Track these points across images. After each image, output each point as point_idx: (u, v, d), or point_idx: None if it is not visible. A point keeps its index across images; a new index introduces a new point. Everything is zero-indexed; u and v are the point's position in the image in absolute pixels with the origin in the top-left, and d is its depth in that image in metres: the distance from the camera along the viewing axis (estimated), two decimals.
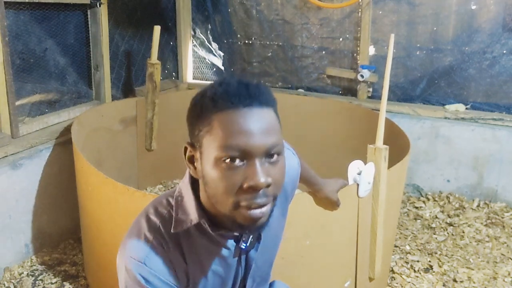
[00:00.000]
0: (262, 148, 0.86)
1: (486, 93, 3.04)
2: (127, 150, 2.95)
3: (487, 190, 2.97)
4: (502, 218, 2.79)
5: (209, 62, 3.83)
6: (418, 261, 2.38)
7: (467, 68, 3.05)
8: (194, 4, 3.70)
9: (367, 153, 1.69)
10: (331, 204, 1.62)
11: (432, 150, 3.05)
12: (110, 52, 3.03)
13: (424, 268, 2.34)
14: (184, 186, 1.01)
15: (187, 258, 1.00)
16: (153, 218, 1.01)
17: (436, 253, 2.46)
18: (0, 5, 2.23)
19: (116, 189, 1.75)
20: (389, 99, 3.14)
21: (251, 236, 1.02)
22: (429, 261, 2.39)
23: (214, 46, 3.78)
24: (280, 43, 3.54)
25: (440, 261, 2.39)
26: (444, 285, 2.22)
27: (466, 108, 3.05)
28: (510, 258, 2.43)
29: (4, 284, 2.20)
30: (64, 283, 2.22)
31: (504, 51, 2.94)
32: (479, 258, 2.42)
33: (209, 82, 4.14)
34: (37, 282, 2.23)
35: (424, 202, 2.99)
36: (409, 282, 2.24)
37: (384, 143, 1.70)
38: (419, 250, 2.49)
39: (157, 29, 2.80)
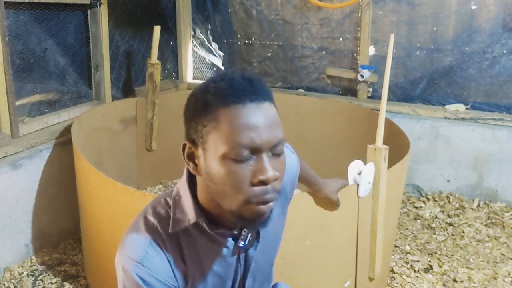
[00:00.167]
0: (270, 142, 0.88)
1: (486, 93, 3.04)
2: (127, 150, 2.95)
3: (487, 190, 2.97)
4: (502, 218, 2.79)
5: (209, 62, 3.83)
6: (418, 261, 2.38)
7: (467, 68, 3.05)
8: (194, 4, 3.70)
9: (367, 153, 1.69)
10: (331, 204, 1.62)
11: (432, 150, 3.05)
12: (110, 52, 3.03)
13: (424, 268, 2.34)
14: (181, 186, 1.01)
15: (186, 258, 1.00)
16: (151, 218, 1.01)
17: (436, 253, 2.46)
18: (0, 5, 2.23)
19: (116, 189, 1.75)
20: (389, 99, 3.14)
21: (249, 235, 1.02)
22: (429, 261, 2.39)
23: (214, 46, 3.78)
24: (280, 43, 3.54)
25: (440, 261, 2.39)
26: (444, 285, 2.22)
27: (466, 108, 3.05)
28: (510, 258, 2.43)
29: (4, 284, 2.20)
30: (64, 283, 2.22)
31: (504, 51, 2.94)
32: (479, 258, 2.42)
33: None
34: (37, 282, 2.23)
35: (424, 202, 2.99)
36: (409, 282, 2.24)
37: (384, 143, 1.70)
38: (419, 250, 2.49)
39: (157, 29, 2.80)
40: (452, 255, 2.45)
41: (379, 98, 3.22)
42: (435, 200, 3.00)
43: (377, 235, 1.78)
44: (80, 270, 2.31)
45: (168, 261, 0.98)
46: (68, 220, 2.58)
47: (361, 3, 3.16)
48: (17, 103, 2.46)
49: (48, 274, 2.28)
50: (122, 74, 3.25)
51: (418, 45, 3.15)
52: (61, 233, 2.57)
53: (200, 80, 3.86)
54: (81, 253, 2.40)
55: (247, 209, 0.89)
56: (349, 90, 3.39)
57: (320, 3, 3.20)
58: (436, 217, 2.82)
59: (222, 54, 3.78)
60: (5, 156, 2.28)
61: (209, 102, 0.89)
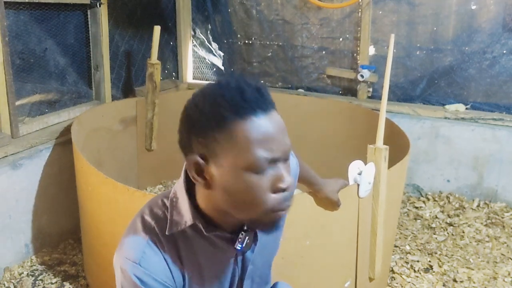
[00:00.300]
0: (286, 151, 0.89)
1: (486, 93, 3.04)
2: (127, 150, 2.95)
3: (487, 190, 2.97)
4: (502, 218, 2.79)
5: (209, 62, 3.83)
6: (418, 261, 2.38)
7: (467, 68, 3.05)
8: (194, 4, 3.70)
9: (367, 153, 1.68)
10: (331, 204, 1.62)
11: (432, 150, 3.05)
12: (110, 52, 3.03)
13: (424, 268, 2.34)
14: (179, 188, 1.01)
15: (183, 259, 1.00)
16: (148, 219, 1.01)
17: (436, 253, 2.46)
18: (0, 5, 2.23)
19: (116, 189, 1.75)
20: (389, 99, 3.13)
21: (247, 238, 1.02)
22: (429, 261, 2.39)
23: (214, 46, 3.78)
24: (280, 43, 3.54)
25: (440, 261, 2.39)
26: (444, 285, 2.22)
27: (466, 108, 3.05)
28: (510, 258, 2.43)
29: (4, 284, 2.20)
30: (64, 283, 2.22)
31: (504, 51, 2.94)
32: (479, 258, 2.42)
33: (211, 82, 4.11)
34: (37, 282, 2.23)
35: (424, 202, 2.99)
36: (409, 282, 2.24)
37: (384, 143, 1.70)
38: (419, 250, 2.49)
39: (157, 29, 2.80)
40: (452, 255, 2.45)
41: (379, 98, 3.23)
42: (435, 200, 3.00)
43: (377, 235, 1.78)
44: (80, 270, 2.31)
45: (166, 261, 0.98)
46: (68, 220, 2.58)
47: (361, 3, 3.16)
48: (17, 103, 2.46)
49: (48, 274, 2.28)
50: (122, 74, 3.25)
51: (418, 45, 3.15)
52: (61, 233, 2.57)
53: (200, 80, 3.86)
54: (81, 253, 2.40)
55: (268, 217, 0.92)
56: (349, 90, 3.39)
57: (320, 3, 3.20)
58: (436, 217, 2.82)
59: (222, 54, 3.78)
60: (5, 156, 2.28)
61: (222, 116, 0.86)
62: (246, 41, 3.66)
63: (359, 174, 1.65)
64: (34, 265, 2.36)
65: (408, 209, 2.93)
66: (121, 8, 3.14)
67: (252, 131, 0.85)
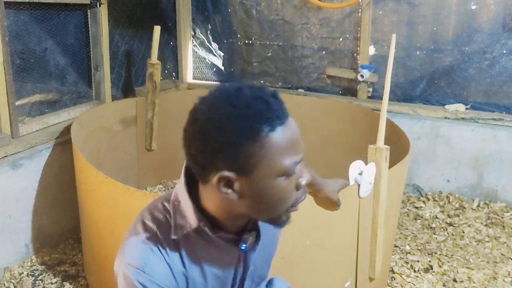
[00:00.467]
0: (304, 149, 0.94)
1: (486, 93, 3.04)
2: (127, 150, 2.95)
3: (487, 190, 2.97)
4: (502, 218, 2.79)
5: (209, 62, 3.83)
6: (418, 261, 2.38)
7: (467, 68, 3.05)
8: (194, 4, 3.70)
9: (368, 153, 1.68)
10: (331, 204, 1.62)
11: (432, 150, 3.05)
12: (110, 52, 3.03)
13: (424, 268, 2.34)
14: (180, 191, 0.99)
15: (186, 262, 1.00)
16: (150, 223, 1.00)
17: (436, 253, 2.46)
18: (0, 5, 2.23)
19: (116, 189, 1.75)
20: (389, 99, 3.12)
21: (250, 237, 1.02)
22: (429, 261, 2.39)
23: (214, 46, 3.78)
24: (280, 43, 3.54)
25: (440, 261, 2.39)
26: (444, 285, 2.22)
27: (466, 108, 3.05)
28: (510, 258, 2.43)
29: (4, 284, 2.20)
30: (64, 283, 2.22)
31: (504, 51, 2.94)
32: (479, 258, 2.42)
33: (211, 82, 4.07)
34: (37, 282, 2.23)
35: (424, 202, 2.99)
36: (409, 282, 2.24)
37: (384, 143, 1.70)
38: (419, 250, 2.49)
39: (157, 29, 2.80)
40: (452, 255, 2.45)
41: (379, 98, 3.23)
42: (435, 200, 3.00)
43: (378, 235, 1.78)
44: (80, 270, 2.31)
45: (169, 266, 0.98)
46: (68, 220, 2.58)
47: (361, 3, 3.16)
48: (17, 103, 2.46)
49: (48, 274, 2.28)
50: (122, 74, 3.25)
51: (418, 45, 3.15)
52: (61, 233, 2.57)
53: (200, 80, 3.86)
54: (81, 253, 2.40)
55: (287, 213, 0.96)
56: (349, 90, 3.39)
57: (320, 3, 3.20)
58: (436, 217, 2.82)
59: (222, 54, 3.78)
60: (5, 156, 2.28)
61: (254, 131, 0.85)
62: (246, 41, 3.66)
63: (360, 174, 1.65)
64: (34, 265, 2.35)
65: (408, 209, 2.93)
66: (121, 8, 3.14)
67: (282, 139, 0.88)
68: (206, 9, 3.70)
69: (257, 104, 0.86)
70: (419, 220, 2.80)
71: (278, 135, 0.87)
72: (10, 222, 2.29)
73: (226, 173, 0.88)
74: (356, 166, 1.66)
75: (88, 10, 2.89)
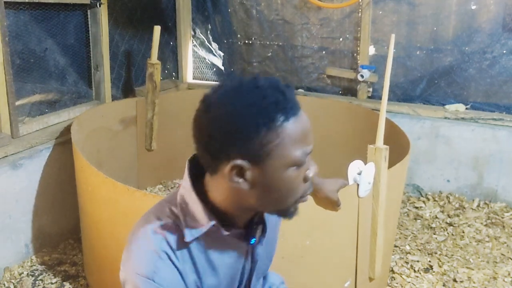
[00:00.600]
0: (313, 141, 0.95)
1: (486, 93, 3.04)
2: (127, 150, 2.95)
3: (487, 190, 2.97)
4: (502, 218, 2.79)
5: (209, 62, 3.83)
6: (418, 261, 2.38)
7: (467, 68, 3.05)
8: (194, 4, 3.70)
9: (367, 153, 1.68)
10: (331, 203, 1.62)
11: (432, 150, 3.05)
12: (110, 52, 3.03)
13: (424, 268, 2.34)
14: (186, 192, 0.97)
15: (197, 264, 0.98)
16: (158, 229, 0.96)
17: (436, 253, 2.46)
18: (0, 5, 2.23)
19: (116, 189, 1.75)
20: (389, 99, 3.11)
21: (258, 231, 1.03)
22: (429, 261, 2.39)
23: (214, 46, 3.78)
24: (280, 43, 3.54)
25: (440, 261, 2.39)
26: (444, 285, 2.22)
27: (466, 108, 3.05)
28: (510, 258, 2.43)
29: (4, 284, 2.20)
30: (64, 283, 2.22)
31: (504, 51, 2.94)
32: (479, 258, 2.42)
33: (211, 82, 4.08)
34: (37, 282, 2.23)
35: (424, 202, 2.99)
36: (409, 282, 2.24)
37: (384, 143, 1.70)
38: (419, 250, 2.49)
39: (157, 29, 2.80)
40: (452, 255, 2.45)
41: (379, 98, 3.23)
42: (435, 200, 3.00)
43: (377, 235, 1.78)
44: (80, 270, 2.31)
45: (179, 272, 0.95)
46: (68, 220, 2.58)
47: (361, 3, 3.16)
48: (17, 103, 2.46)
49: (48, 274, 2.28)
50: (122, 74, 3.25)
51: (418, 45, 3.15)
52: (61, 233, 2.57)
53: (200, 80, 3.86)
54: (81, 253, 2.40)
55: (295, 205, 0.97)
56: (349, 90, 3.39)
57: (320, 3, 3.20)
58: (436, 217, 2.82)
59: (222, 54, 3.78)
60: (5, 156, 2.28)
61: (271, 120, 0.86)
62: (246, 41, 3.66)
63: (359, 174, 1.65)
64: (34, 265, 2.36)
65: (408, 209, 2.93)
66: (121, 8, 3.14)
67: (295, 129, 0.89)
68: (206, 9, 3.70)
69: (272, 94, 0.88)
70: (419, 220, 2.80)
71: (292, 125, 0.88)
72: (10, 222, 2.29)
73: (239, 162, 0.88)
74: (355, 166, 1.66)
75: (88, 10, 2.90)
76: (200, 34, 3.79)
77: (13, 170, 2.28)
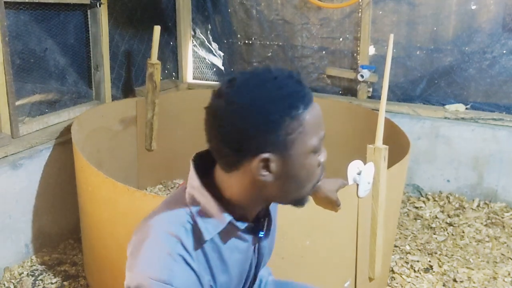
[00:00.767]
0: None
1: (486, 93, 3.04)
2: (127, 150, 2.95)
3: (487, 190, 2.97)
4: (502, 218, 2.79)
5: (209, 62, 3.83)
6: (418, 261, 2.38)
7: (467, 68, 3.05)
8: (194, 4, 3.70)
9: (367, 153, 1.69)
10: (330, 203, 1.61)
11: (432, 150, 3.05)
12: (110, 52, 3.03)
13: (424, 268, 2.34)
14: (196, 192, 0.95)
15: (211, 263, 0.97)
16: (171, 232, 0.92)
17: (436, 253, 2.46)
18: (0, 5, 2.23)
19: (116, 189, 1.75)
20: (389, 99, 3.14)
21: (265, 224, 1.03)
22: (429, 261, 2.39)
23: (214, 46, 3.78)
24: (280, 43, 3.54)
25: (440, 261, 2.39)
26: (444, 285, 2.22)
27: (466, 108, 3.05)
28: (510, 258, 2.43)
29: (4, 284, 2.20)
30: (64, 283, 2.22)
31: (504, 51, 2.94)
32: (479, 258, 2.42)
33: (211, 82, 4.06)
34: (37, 282, 2.23)
35: (424, 202, 2.99)
36: (409, 282, 2.24)
37: (384, 143, 1.70)
38: (419, 250, 2.49)
39: (157, 29, 2.80)
40: (452, 255, 2.45)
41: (379, 98, 3.22)
42: (435, 200, 3.00)
43: (377, 235, 1.78)
44: (80, 270, 2.31)
45: (196, 274, 0.93)
46: (68, 220, 2.58)
47: (361, 3, 3.16)
48: (17, 103, 2.46)
49: (48, 274, 2.28)
50: (122, 74, 3.25)
51: (418, 45, 3.15)
52: (61, 233, 2.57)
53: (200, 80, 3.86)
54: (81, 253, 2.40)
55: (309, 193, 0.98)
56: (349, 90, 3.39)
57: (320, 3, 3.20)
58: (436, 217, 2.82)
59: (222, 54, 3.78)
60: (5, 156, 2.28)
61: (294, 108, 0.88)
62: (246, 41, 3.66)
63: (359, 174, 1.65)
64: (34, 265, 2.36)
65: (408, 209, 2.93)
66: (121, 8, 3.14)
67: (313, 116, 0.91)
68: (206, 9, 3.70)
69: (291, 84, 0.90)
70: (419, 220, 2.80)
71: (311, 113, 0.90)
72: (10, 222, 2.29)
73: (266, 155, 0.88)
74: (354, 166, 1.66)
75: (88, 10, 2.90)
76: (200, 34, 3.79)
77: (13, 170, 2.28)
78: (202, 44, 3.81)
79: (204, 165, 0.99)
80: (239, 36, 3.68)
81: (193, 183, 0.96)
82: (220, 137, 0.90)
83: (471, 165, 2.98)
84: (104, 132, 2.74)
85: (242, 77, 0.91)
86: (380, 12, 3.19)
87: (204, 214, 0.94)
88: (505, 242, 2.56)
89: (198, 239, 0.94)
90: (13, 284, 2.21)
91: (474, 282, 2.23)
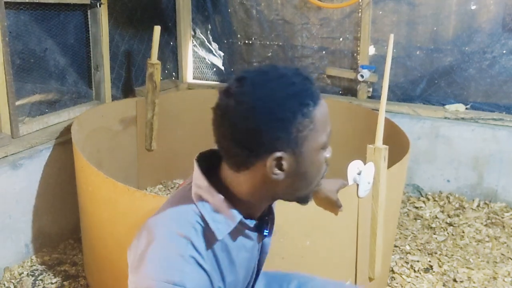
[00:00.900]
0: None
1: (486, 93, 3.04)
2: (127, 150, 2.95)
3: (487, 190, 2.97)
4: (502, 218, 2.79)
5: (209, 62, 3.83)
6: (418, 261, 2.38)
7: (467, 68, 3.05)
8: (194, 4, 3.70)
9: (367, 153, 1.69)
10: (331, 204, 1.62)
11: (432, 150, 3.05)
12: (110, 52, 3.03)
13: (424, 268, 2.34)
14: (204, 192, 0.94)
15: (220, 263, 0.97)
16: (181, 233, 0.91)
17: (436, 253, 2.46)
18: (0, 5, 2.23)
19: (116, 189, 1.75)
20: (389, 99, 3.14)
21: (270, 222, 1.04)
22: (429, 261, 2.39)
23: (214, 46, 3.78)
24: (280, 43, 3.54)
25: (440, 261, 2.39)
26: (444, 285, 2.22)
27: (466, 108, 3.05)
28: (510, 258, 2.43)
29: (4, 284, 2.20)
30: (64, 283, 2.22)
31: (504, 51, 2.94)
32: (479, 258, 2.42)
33: (211, 82, 4.06)
34: (37, 282, 2.23)
35: (424, 202, 2.99)
36: (409, 282, 2.24)
37: (384, 143, 1.70)
38: (419, 250, 2.49)
39: (157, 29, 2.80)
40: (452, 255, 2.45)
41: (379, 98, 3.20)
42: (435, 200, 3.00)
43: (377, 235, 1.78)
44: (80, 270, 2.31)
45: (207, 274, 0.92)
46: (68, 220, 2.58)
47: (361, 3, 3.16)
48: (17, 103, 2.46)
49: (48, 274, 2.28)
50: (122, 74, 3.25)
51: (418, 45, 3.15)
52: (61, 233, 2.57)
53: (200, 80, 3.86)
54: (81, 253, 2.40)
55: (315, 188, 0.98)
56: (349, 90, 3.39)
57: (320, 3, 3.20)
58: (436, 217, 2.82)
59: (222, 54, 3.78)
60: (5, 156, 2.28)
61: (306, 106, 0.89)
62: (246, 41, 3.66)
63: (359, 174, 1.65)
64: (34, 265, 2.36)
65: (408, 209, 2.93)
66: (121, 8, 3.14)
67: (322, 113, 0.92)
68: (206, 9, 3.70)
69: (300, 81, 0.90)
70: (419, 220, 2.80)
71: (320, 109, 0.91)
72: (10, 222, 2.29)
73: (279, 154, 0.88)
74: (354, 166, 1.66)
75: (88, 10, 2.90)
76: (200, 34, 3.79)
77: (13, 170, 2.28)
78: (202, 44, 3.81)
79: (208, 165, 0.98)
80: (239, 36, 3.68)
81: (200, 183, 0.95)
82: (231, 137, 0.89)
83: (471, 165, 2.98)
84: (104, 132, 2.74)
85: (250, 76, 0.90)
86: (380, 12, 3.19)
87: (214, 214, 0.94)
88: (505, 242, 2.56)
89: (208, 240, 0.93)
90: (13, 284, 2.21)
91: (474, 282, 2.23)
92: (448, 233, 2.66)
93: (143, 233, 0.95)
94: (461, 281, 2.23)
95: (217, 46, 3.77)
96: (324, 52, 3.43)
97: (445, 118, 3.02)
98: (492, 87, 3.02)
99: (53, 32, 2.71)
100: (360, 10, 3.20)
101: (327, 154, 0.97)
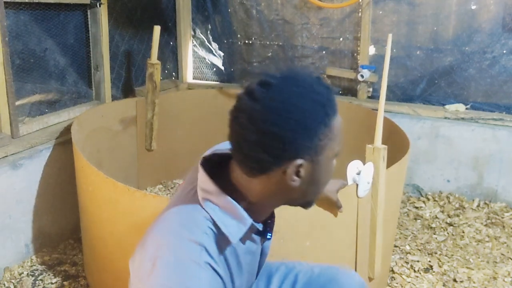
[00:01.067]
0: None
1: (486, 93, 3.04)
2: (127, 150, 2.95)
3: (487, 190, 2.97)
4: (502, 218, 2.79)
5: (209, 62, 3.83)
6: (418, 261, 2.38)
7: (467, 68, 3.05)
8: (194, 4, 3.70)
9: (366, 153, 1.69)
10: (331, 204, 1.62)
11: (432, 150, 3.05)
12: (110, 52, 3.03)
13: (424, 268, 2.34)
14: (213, 197, 0.93)
15: (231, 267, 0.97)
16: (194, 238, 0.89)
17: (436, 253, 2.46)
18: (0, 5, 2.23)
19: (116, 189, 1.75)
20: (389, 99, 3.15)
21: (273, 226, 1.05)
22: (429, 261, 2.39)
23: (214, 46, 3.78)
24: (280, 43, 3.54)
25: (440, 261, 2.39)
26: (444, 285, 2.22)
27: (466, 108, 3.05)
28: (510, 258, 2.43)
29: (4, 284, 2.20)
30: (64, 283, 2.22)
31: (504, 51, 2.94)
32: (479, 258, 2.42)
33: (211, 82, 4.06)
34: (37, 282, 2.23)
35: (424, 202, 2.99)
36: (409, 282, 2.24)
37: (384, 143, 1.70)
38: (419, 250, 2.49)
39: (157, 29, 2.80)
40: (452, 255, 2.45)
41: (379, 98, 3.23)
42: (435, 200, 3.00)
43: (377, 235, 1.78)
44: (80, 270, 2.31)
45: (222, 279, 0.92)
46: (68, 220, 2.58)
47: (361, 3, 3.16)
48: (17, 103, 2.46)
49: (48, 274, 2.28)
50: (122, 74, 3.25)
51: (418, 45, 3.15)
52: (61, 233, 2.57)
53: (200, 80, 3.86)
54: (81, 253, 2.40)
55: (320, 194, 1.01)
56: (349, 90, 3.39)
57: (320, 3, 3.20)
58: (436, 217, 2.82)
59: (222, 54, 3.78)
60: (5, 156, 2.28)
61: (327, 115, 0.90)
62: (246, 41, 3.66)
63: (358, 174, 1.65)
64: (34, 265, 2.36)
65: (408, 209, 2.93)
66: (121, 8, 3.14)
67: (338, 123, 0.94)
68: (206, 9, 3.70)
69: (323, 90, 0.91)
70: (419, 220, 2.80)
71: (337, 119, 0.94)
72: (10, 222, 2.29)
73: (300, 161, 0.89)
74: (354, 166, 1.66)
75: (88, 10, 2.90)
76: (200, 34, 3.79)
77: (13, 170, 2.28)
78: (202, 44, 3.81)
79: (211, 168, 0.98)
80: (239, 36, 3.68)
81: (207, 188, 0.94)
82: (255, 142, 0.87)
83: (471, 165, 2.98)
84: (104, 132, 2.74)
85: (276, 82, 0.89)
86: (380, 12, 3.19)
87: (224, 218, 0.93)
88: (505, 242, 2.56)
89: (220, 245, 0.93)
90: (13, 284, 2.21)
91: (474, 282, 2.23)
92: (448, 233, 2.66)
93: (147, 243, 0.93)
94: (461, 281, 2.23)
95: (217, 46, 3.78)
96: (324, 52, 3.43)
97: (445, 118, 3.02)
98: (492, 87, 3.02)
99: (53, 32, 2.71)
100: (360, 10, 3.20)
101: (335, 161, 0.99)
